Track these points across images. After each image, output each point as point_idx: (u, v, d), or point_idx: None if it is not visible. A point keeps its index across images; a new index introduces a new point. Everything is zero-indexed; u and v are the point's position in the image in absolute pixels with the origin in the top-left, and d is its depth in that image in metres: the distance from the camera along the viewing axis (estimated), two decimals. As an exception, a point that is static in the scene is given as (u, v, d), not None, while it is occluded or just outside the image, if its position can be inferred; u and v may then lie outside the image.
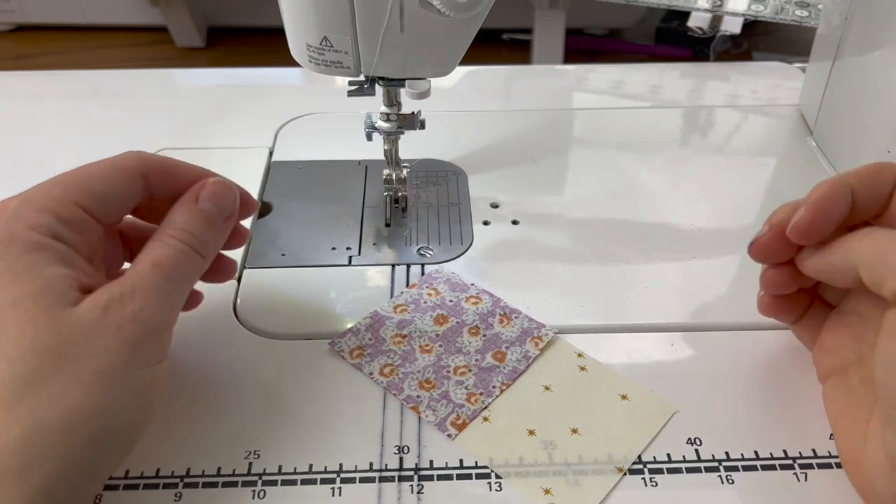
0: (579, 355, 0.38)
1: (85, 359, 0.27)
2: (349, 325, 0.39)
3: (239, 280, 0.42)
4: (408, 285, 0.41)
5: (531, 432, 0.34)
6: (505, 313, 0.39)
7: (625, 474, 0.32)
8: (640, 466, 0.32)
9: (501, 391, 0.36)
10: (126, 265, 0.36)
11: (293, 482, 0.32)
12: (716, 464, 0.33)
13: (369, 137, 0.43)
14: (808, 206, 0.31)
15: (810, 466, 0.32)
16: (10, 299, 0.27)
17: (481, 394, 0.36)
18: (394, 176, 0.46)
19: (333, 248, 0.44)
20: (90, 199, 0.31)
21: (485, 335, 0.38)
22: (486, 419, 0.35)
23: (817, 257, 0.32)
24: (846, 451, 0.31)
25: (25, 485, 0.25)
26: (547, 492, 0.32)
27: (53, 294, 0.27)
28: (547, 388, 0.36)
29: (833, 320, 0.35)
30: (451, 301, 0.40)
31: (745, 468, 0.32)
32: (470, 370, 0.37)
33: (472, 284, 0.41)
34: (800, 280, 0.34)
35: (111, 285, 0.29)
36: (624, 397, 0.35)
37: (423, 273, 0.42)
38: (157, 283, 0.29)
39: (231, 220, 0.33)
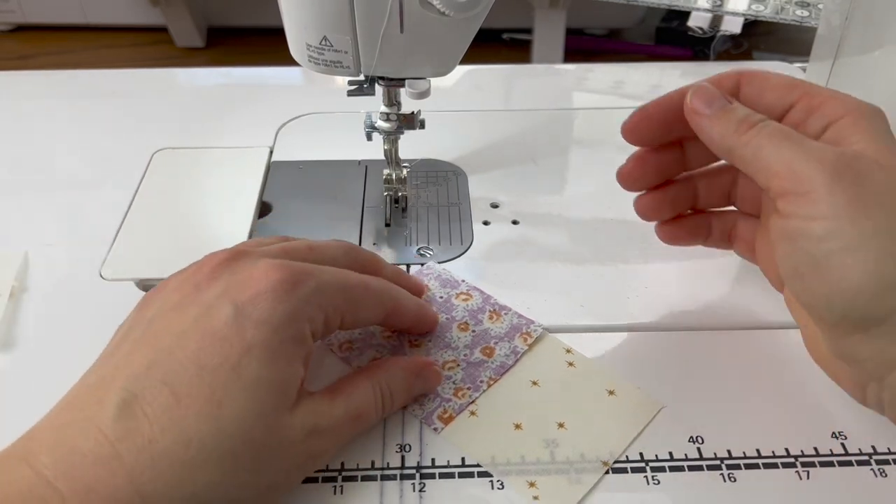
0: (567, 351, 0.38)
1: (269, 471, 0.28)
2: None
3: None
4: (408, 285, 0.41)
5: (517, 426, 0.34)
6: (494, 310, 0.40)
7: (609, 470, 0.32)
8: (643, 465, 0.33)
9: (489, 385, 0.36)
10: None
11: (295, 481, 0.32)
12: (718, 462, 0.33)
13: (369, 137, 0.43)
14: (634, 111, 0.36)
15: (812, 465, 0.33)
16: (253, 376, 0.28)
17: (469, 388, 0.36)
18: (394, 176, 0.46)
19: (334, 248, 0.44)
20: (350, 320, 0.32)
21: (474, 331, 0.38)
22: (472, 413, 0.35)
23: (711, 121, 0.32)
24: (814, 351, 0.33)
25: None
26: (531, 485, 0.32)
27: (286, 392, 0.29)
28: (534, 384, 0.36)
29: (761, 231, 0.36)
30: (441, 297, 0.40)
31: (747, 466, 0.32)
32: (458, 365, 0.37)
33: (463, 281, 0.41)
34: (670, 204, 0.38)
35: (322, 411, 0.30)
36: (611, 393, 0.36)
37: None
38: (349, 432, 0.31)
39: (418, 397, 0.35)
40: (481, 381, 0.36)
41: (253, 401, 0.27)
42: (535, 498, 0.31)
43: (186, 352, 0.27)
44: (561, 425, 0.34)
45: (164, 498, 0.26)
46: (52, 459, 0.25)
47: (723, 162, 0.36)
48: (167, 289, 0.31)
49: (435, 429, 0.34)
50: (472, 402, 0.35)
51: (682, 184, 0.38)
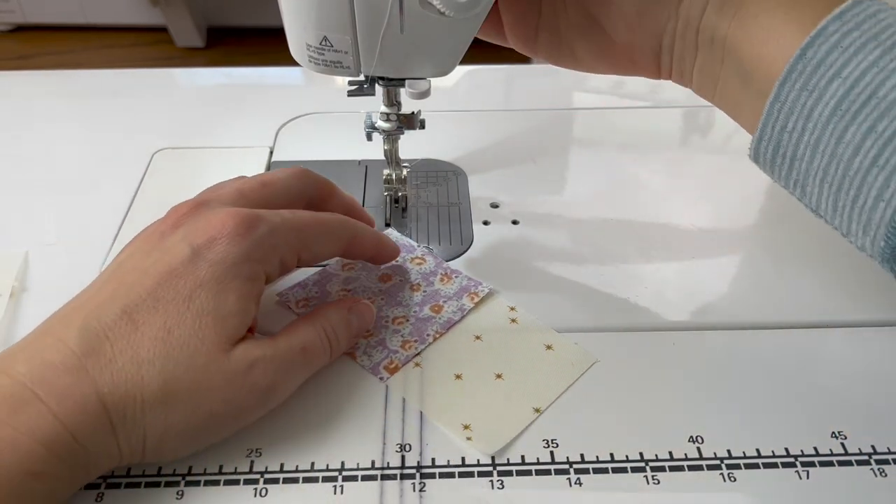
0: (511, 309, 0.40)
1: (208, 398, 0.30)
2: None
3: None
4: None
5: (458, 376, 0.36)
6: (446, 273, 0.41)
7: (540, 414, 0.34)
8: (643, 465, 0.33)
9: (435, 339, 0.38)
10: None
11: (295, 480, 0.32)
12: (717, 462, 0.33)
13: (369, 137, 0.43)
14: None
15: (812, 464, 0.33)
16: (201, 308, 0.31)
17: (415, 341, 0.38)
18: (394, 176, 0.46)
19: (334, 248, 0.44)
20: (308, 256, 0.35)
21: (425, 291, 0.40)
22: (417, 364, 0.37)
23: None
24: (607, 49, 0.37)
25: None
26: (466, 427, 0.34)
27: (233, 325, 0.31)
28: (477, 338, 0.38)
29: (505, 8, 0.39)
30: (396, 261, 0.42)
31: (747, 466, 0.32)
32: (407, 320, 0.39)
33: (419, 246, 0.43)
34: None
35: (264, 346, 0.32)
36: (549, 347, 0.38)
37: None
38: (297, 366, 0.33)
39: (360, 335, 0.38)
40: (427, 335, 0.38)
41: (199, 328, 0.30)
42: (469, 439, 0.33)
43: (146, 286, 0.31)
44: (499, 376, 0.36)
45: (118, 410, 0.29)
46: (28, 368, 0.29)
47: None
48: (137, 239, 0.34)
49: (381, 378, 0.36)
50: (418, 353, 0.37)
51: None
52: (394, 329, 0.38)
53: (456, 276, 0.41)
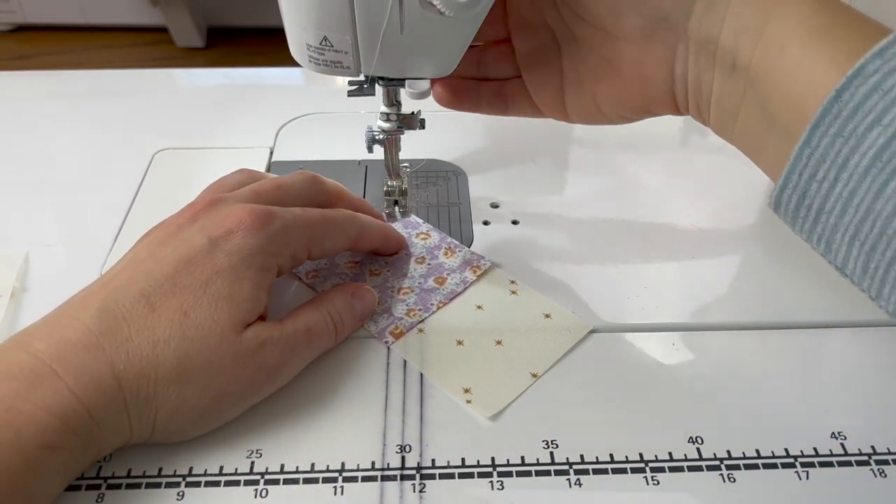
0: (512, 282, 0.41)
1: (219, 376, 0.32)
2: None
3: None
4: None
5: (459, 342, 0.38)
6: (450, 247, 0.43)
7: (537, 379, 0.36)
8: (642, 465, 0.33)
9: (438, 308, 0.40)
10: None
11: (295, 481, 0.32)
12: (717, 462, 0.33)
13: (370, 150, 0.43)
14: None
15: (812, 465, 0.33)
16: (218, 293, 0.32)
17: (420, 309, 0.39)
18: (395, 188, 0.45)
19: (334, 248, 0.44)
20: (318, 251, 0.37)
21: (429, 264, 0.42)
22: (421, 330, 0.39)
23: None
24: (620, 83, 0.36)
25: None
26: (466, 391, 0.35)
27: (246, 311, 0.32)
28: (479, 307, 0.40)
29: (529, 78, 0.40)
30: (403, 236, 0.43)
31: (747, 467, 0.32)
32: (412, 291, 0.40)
33: (424, 222, 0.45)
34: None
35: (272, 328, 0.33)
36: (547, 316, 0.39)
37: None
38: (302, 347, 0.35)
39: (365, 319, 0.39)
40: (431, 304, 0.40)
41: (214, 311, 0.32)
42: (469, 402, 0.35)
43: (164, 272, 0.32)
44: (498, 342, 0.38)
45: (132, 388, 0.30)
46: (46, 345, 0.30)
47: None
48: (153, 231, 0.35)
49: (386, 342, 0.38)
50: (422, 321, 0.39)
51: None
52: (399, 299, 0.40)
53: (459, 251, 0.43)
